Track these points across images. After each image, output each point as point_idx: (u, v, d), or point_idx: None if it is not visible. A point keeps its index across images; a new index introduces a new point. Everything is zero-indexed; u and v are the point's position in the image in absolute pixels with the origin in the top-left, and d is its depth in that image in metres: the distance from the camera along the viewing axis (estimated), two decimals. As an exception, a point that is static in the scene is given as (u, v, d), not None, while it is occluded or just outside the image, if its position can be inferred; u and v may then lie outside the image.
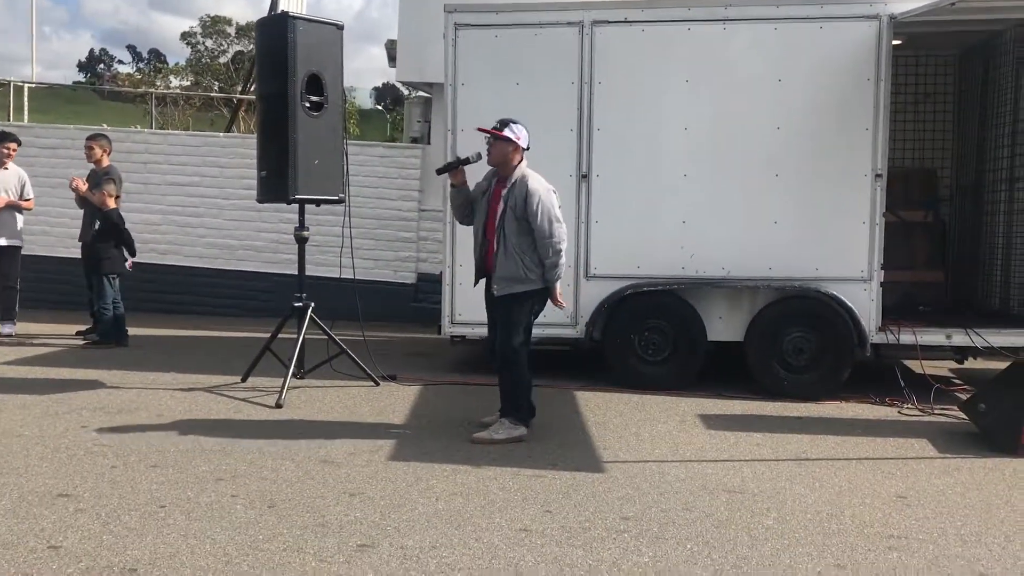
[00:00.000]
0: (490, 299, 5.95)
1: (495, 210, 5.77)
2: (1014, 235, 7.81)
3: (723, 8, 7.30)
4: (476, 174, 6.02)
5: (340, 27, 7.06)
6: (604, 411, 6.68)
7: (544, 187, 5.73)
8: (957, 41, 8.61)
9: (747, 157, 7.23)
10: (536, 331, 7.56)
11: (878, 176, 7.17)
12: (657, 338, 7.41)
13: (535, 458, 5.41)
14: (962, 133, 9.01)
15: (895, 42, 7.31)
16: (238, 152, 11.50)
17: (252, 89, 17.74)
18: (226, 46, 59.07)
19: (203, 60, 58.15)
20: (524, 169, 5.79)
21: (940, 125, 9.16)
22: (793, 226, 7.22)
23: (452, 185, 6.01)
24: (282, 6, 11.49)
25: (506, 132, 5.72)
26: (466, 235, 7.54)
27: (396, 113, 43.00)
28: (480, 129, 5.92)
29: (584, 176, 7.42)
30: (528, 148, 5.86)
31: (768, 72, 7.22)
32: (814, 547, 4.13)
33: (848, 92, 7.17)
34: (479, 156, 5.90)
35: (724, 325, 7.37)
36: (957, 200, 9.05)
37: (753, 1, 7.28)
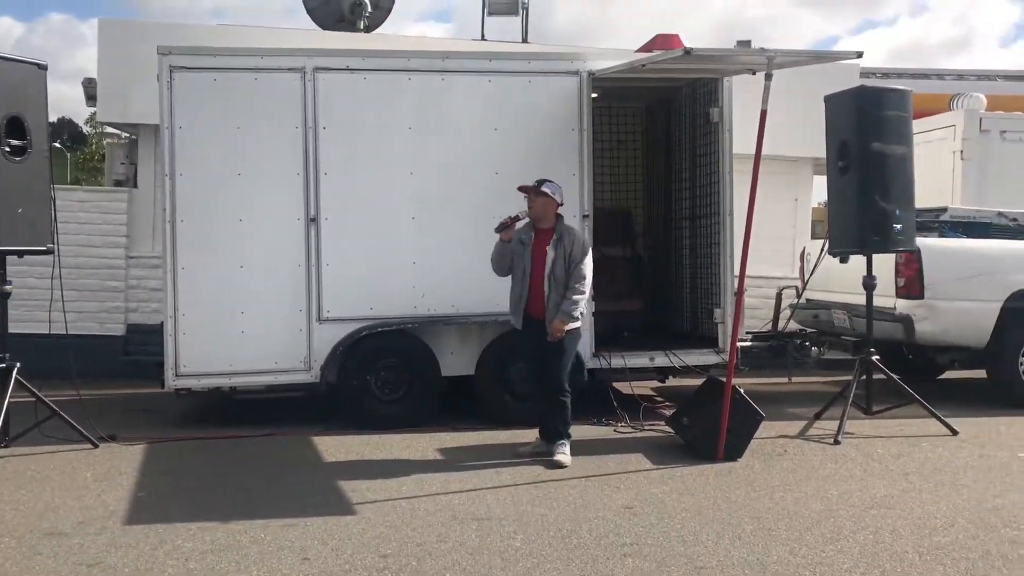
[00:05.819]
0: (536, 339, 6.47)
1: (542, 259, 6.41)
2: (699, 266, 8.85)
3: (441, 60, 7.70)
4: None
5: (43, 67, 6.60)
6: (346, 454, 6.72)
7: (586, 239, 6.88)
8: (644, 95, 9.64)
9: (470, 200, 7.61)
10: (269, 378, 7.56)
11: (585, 217, 7.85)
12: (393, 377, 7.59)
13: (283, 507, 5.35)
14: (651, 176, 10.07)
15: (592, 95, 8.07)
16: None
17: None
18: None
19: None
20: (563, 221, 6.57)
21: (632, 169, 10.18)
22: (514, 264, 7.69)
23: (503, 241, 6.51)
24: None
25: (544, 189, 6.43)
26: (189, 282, 7.33)
27: (79, 152, 39.53)
28: (521, 188, 6.53)
29: (312, 219, 7.45)
30: (562, 204, 6.56)
31: (485, 121, 7.68)
32: (560, 562, 4.47)
33: (556, 140, 7.80)
34: (526, 214, 6.51)
35: (456, 360, 7.69)
36: (650, 235, 10.09)
37: (469, 55, 7.74)
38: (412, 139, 7.59)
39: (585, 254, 6.47)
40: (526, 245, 6.52)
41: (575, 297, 6.36)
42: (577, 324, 6.47)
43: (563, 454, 6.40)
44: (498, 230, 6.52)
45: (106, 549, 4.61)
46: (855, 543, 4.75)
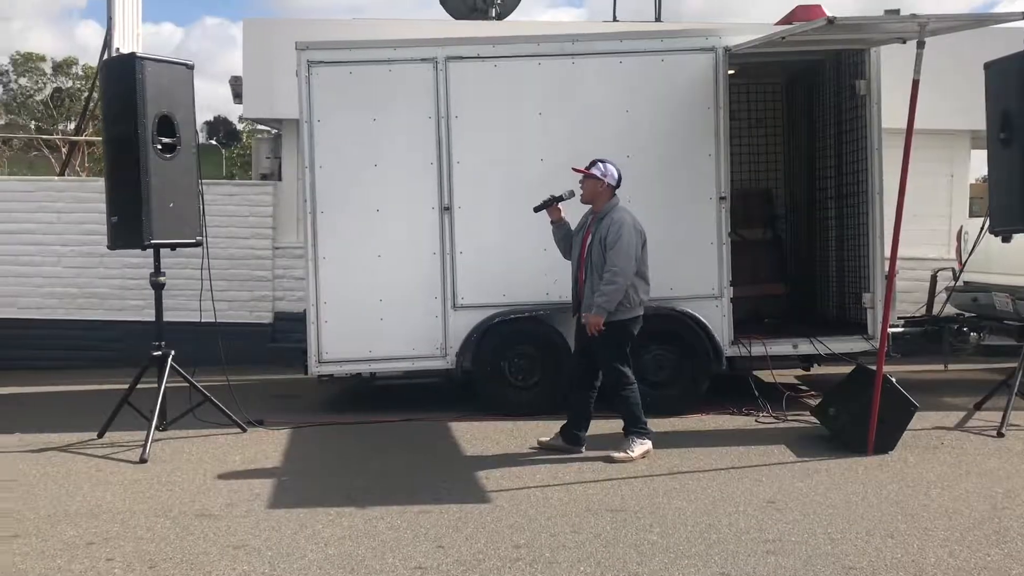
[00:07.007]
0: (580, 328, 6.21)
1: (585, 242, 6.15)
2: (845, 248, 8.42)
3: (571, 43, 7.59)
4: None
5: (190, 67, 6.89)
6: (481, 440, 6.74)
7: (631, 223, 6.08)
8: (784, 70, 9.24)
9: (602, 185, 7.48)
10: (406, 364, 7.67)
11: (722, 199, 7.59)
12: (526, 363, 7.60)
13: (419, 494, 5.41)
14: (792, 155, 9.66)
15: (729, 72, 7.78)
16: (76, 196, 10.95)
17: (87, 130, 16.93)
18: (42, 84, 55.45)
19: (17, 99, 54.40)
20: (615, 204, 6.20)
21: (772, 148, 9.79)
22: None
23: (552, 222, 6.38)
24: (116, 43, 11.01)
25: (593, 170, 6.17)
26: (330, 272, 7.53)
27: (233, 148, 41.48)
28: (574, 169, 6.29)
29: (447, 208, 7.51)
30: (619, 185, 6.24)
31: (616, 103, 7.53)
32: (699, 558, 4.32)
33: (691, 120, 7.57)
34: (571, 193, 6.32)
35: (589, 348, 7.58)
36: (792, 217, 9.68)
37: (599, 36, 7.59)
38: (542, 125, 7.53)
39: (619, 239, 5.96)
40: (582, 228, 6.29)
41: (603, 288, 5.94)
42: (626, 316, 6.05)
43: (624, 452, 6.06)
44: (536, 210, 6.37)
45: (251, 531, 4.77)
46: None
